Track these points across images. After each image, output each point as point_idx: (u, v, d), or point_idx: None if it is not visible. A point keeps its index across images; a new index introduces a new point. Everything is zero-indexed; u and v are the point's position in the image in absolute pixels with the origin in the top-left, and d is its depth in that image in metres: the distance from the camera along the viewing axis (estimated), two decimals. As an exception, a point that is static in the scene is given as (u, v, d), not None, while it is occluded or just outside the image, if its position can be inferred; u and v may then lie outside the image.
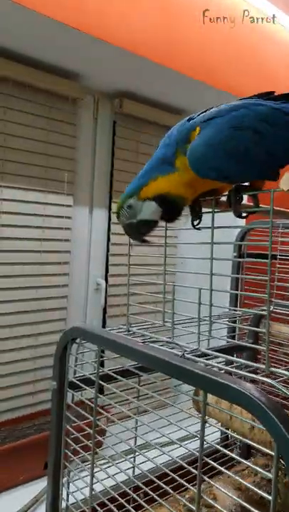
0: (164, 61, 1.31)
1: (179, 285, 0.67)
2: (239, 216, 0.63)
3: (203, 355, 0.62)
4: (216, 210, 0.63)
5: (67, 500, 0.79)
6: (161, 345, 0.66)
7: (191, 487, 0.68)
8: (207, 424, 0.90)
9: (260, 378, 0.52)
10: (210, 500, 0.58)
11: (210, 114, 0.58)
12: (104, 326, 1.58)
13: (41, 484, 1.19)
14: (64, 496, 0.78)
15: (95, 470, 0.71)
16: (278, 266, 1.06)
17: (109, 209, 1.59)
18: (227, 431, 1.20)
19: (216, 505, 0.58)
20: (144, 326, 0.78)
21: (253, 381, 0.72)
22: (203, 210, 0.67)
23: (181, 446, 0.63)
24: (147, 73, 1.38)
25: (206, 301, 0.62)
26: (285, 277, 1.07)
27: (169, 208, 0.62)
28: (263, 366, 0.54)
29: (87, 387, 0.74)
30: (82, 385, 0.75)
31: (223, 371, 0.58)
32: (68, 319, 1.48)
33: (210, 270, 0.61)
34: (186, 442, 0.64)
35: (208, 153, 0.54)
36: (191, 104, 1.68)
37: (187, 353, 0.60)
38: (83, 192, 1.54)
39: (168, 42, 1.32)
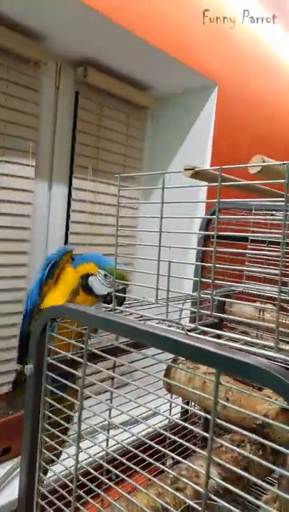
0: (139, 31, 1.25)
1: (176, 261, 0.64)
2: None
3: (203, 333, 0.60)
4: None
5: (40, 484, 0.76)
6: (158, 323, 0.63)
7: (166, 468, 0.68)
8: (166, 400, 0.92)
9: (274, 355, 0.52)
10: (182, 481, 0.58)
11: None
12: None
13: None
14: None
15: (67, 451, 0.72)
16: (249, 247, 1.08)
17: (70, 184, 1.50)
18: (186, 406, 1.22)
19: (192, 484, 0.58)
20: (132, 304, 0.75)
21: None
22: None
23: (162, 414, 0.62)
24: (117, 42, 1.30)
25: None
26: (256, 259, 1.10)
27: None
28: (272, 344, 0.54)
29: (70, 369, 0.70)
30: (63, 367, 0.70)
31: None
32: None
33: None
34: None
35: None
36: (161, 82, 1.64)
37: (188, 331, 0.58)
38: (44, 164, 1.43)
39: (146, 12, 1.26)
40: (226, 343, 0.54)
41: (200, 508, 0.51)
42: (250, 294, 1.11)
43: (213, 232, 0.59)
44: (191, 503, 0.53)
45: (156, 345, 0.54)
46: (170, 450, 0.93)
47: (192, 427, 0.62)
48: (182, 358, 0.98)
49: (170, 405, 1.04)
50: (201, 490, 0.52)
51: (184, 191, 0.62)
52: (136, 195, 1.75)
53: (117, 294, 0.82)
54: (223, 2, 1.48)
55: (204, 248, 1.12)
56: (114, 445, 0.77)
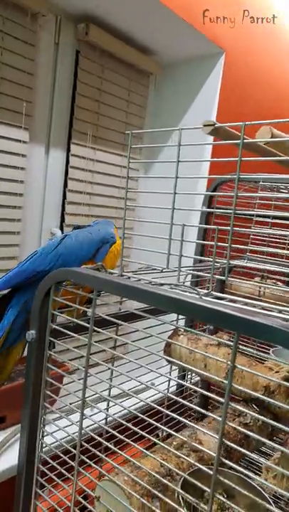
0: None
1: (190, 225, 0.61)
2: None
3: (217, 298, 0.58)
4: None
5: (41, 450, 0.75)
6: (170, 288, 0.61)
7: (175, 433, 0.67)
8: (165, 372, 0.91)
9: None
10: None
11: None
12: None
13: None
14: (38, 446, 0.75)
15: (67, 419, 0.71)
16: (254, 223, 1.06)
17: (68, 150, 1.44)
18: (183, 382, 1.21)
19: (203, 448, 0.57)
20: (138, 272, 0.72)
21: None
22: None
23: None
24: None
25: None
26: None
27: None
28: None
29: (75, 335, 0.68)
30: (70, 333, 0.68)
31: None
32: (20, 269, 1.35)
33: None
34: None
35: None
36: (166, 47, 1.56)
37: (203, 295, 0.55)
38: (40, 128, 1.37)
39: None
40: (242, 307, 0.52)
41: (211, 472, 0.50)
42: (252, 268, 1.09)
43: (232, 193, 0.56)
44: (202, 467, 0.52)
45: (172, 309, 0.52)
46: (167, 421, 0.93)
47: (197, 388, 0.61)
48: (181, 332, 0.97)
49: (170, 368, 1.03)
50: (212, 453, 0.51)
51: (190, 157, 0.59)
52: (138, 167, 1.70)
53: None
54: (224, 2, 1.42)
55: (215, 210, 1.09)
56: (114, 414, 0.76)
